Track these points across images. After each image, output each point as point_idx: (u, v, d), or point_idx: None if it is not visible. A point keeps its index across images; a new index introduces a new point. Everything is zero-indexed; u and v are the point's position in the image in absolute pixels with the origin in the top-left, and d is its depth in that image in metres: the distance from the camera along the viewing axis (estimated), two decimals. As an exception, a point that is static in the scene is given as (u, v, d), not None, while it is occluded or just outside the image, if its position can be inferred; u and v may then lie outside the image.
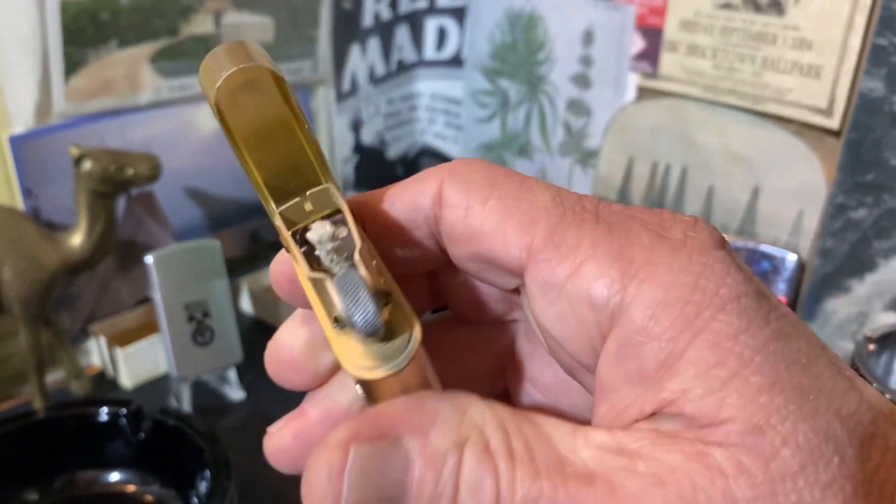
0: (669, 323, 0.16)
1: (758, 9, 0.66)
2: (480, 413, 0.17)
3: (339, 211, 0.19)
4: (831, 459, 0.16)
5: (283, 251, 0.20)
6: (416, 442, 0.16)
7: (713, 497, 0.15)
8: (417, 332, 0.17)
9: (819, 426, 0.16)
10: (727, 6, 0.67)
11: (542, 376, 0.23)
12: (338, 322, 0.17)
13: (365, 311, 0.16)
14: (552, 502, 0.16)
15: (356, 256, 0.18)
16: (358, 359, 0.17)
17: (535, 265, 0.18)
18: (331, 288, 0.17)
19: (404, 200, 0.20)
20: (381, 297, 0.18)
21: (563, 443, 0.17)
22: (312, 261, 0.19)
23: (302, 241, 0.19)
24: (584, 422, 0.23)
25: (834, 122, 0.63)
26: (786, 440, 0.16)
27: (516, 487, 0.16)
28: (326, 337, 0.17)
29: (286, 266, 0.20)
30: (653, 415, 0.17)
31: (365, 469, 0.16)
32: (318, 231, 0.19)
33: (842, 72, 0.62)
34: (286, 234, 0.19)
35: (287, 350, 0.21)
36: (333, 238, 0.19)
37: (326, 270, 0.18)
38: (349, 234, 0.19)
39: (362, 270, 0.17)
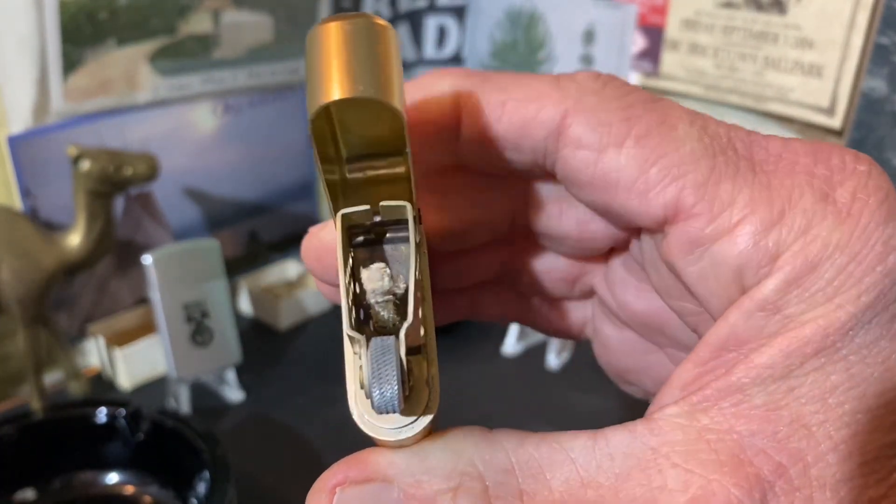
0: (797, 300, 0.15)
1: (759, 8, 0.65)
2: (480, 455, 0.16)
3: (403, 223, 0.17)
4: (888, 476, 0.15)
5: (318, 227, 0.20)
6: (406, 485, 0.16)
7: None
8: (433, 406, 0.16)
9: (888, 440, 0.15)
10: (729, 5, 0.67)
11: (633, 303, 0.22)
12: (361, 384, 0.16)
13: (385, 393, 0.15)
14: None
15: (402, 333, 0.15)
16: (366, 408, 0.16)
17: (682, 222, 0.16)
18: (363, 349, 0.16)
19: (514, 120, 0.17)
20: (412, 356, 0.16)
21: (584, 458, 0.16)
22: (358, 296, 0.17)
23: (353, 269, 0.17)
24: (677, 347, 0.22)
25: (836, 122, 0.63)
26: (836, 447, 0.15)
27: None
28: (346, 367, 0.16)
29: (319, 243, 0.19)
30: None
31: None
32: (375, 281, 0.16)
33: (844, 71, 0.61)
34: (340, 238, 0.17)
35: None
36: (388, 293, 0.17)
37: (370, 315, 0.17)
38: (406, 293, 0.16)
39: (402, 352, 0.15)
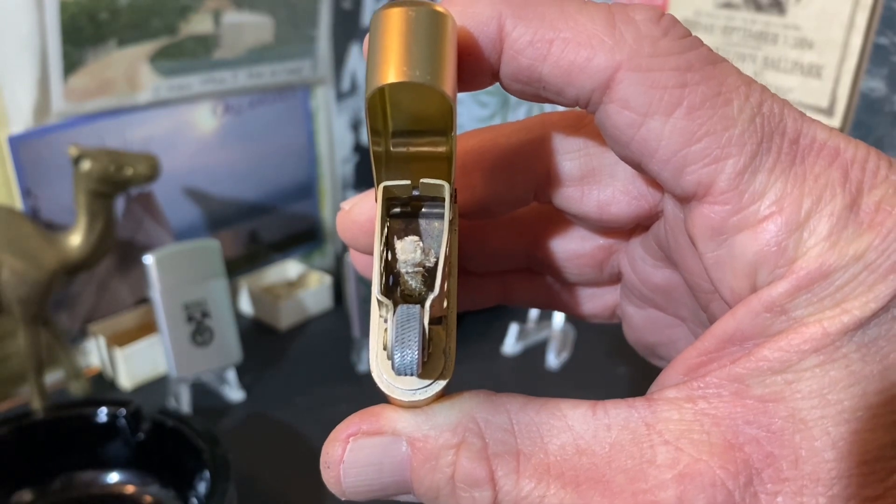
0: (805, 303, 0.16)
1: (759, 8, 0.65)
2: (483, 415, 0.16)
3: (440, 201, 0.18)
4: (887, 477, 0.15)
5: (349, 203, 0.20)
6: (413, 439, 0.16)
7: (732, 492, 0.15)
8: (448, 374, 0.17)
9: (888, 439, 0.15)
10: (728, 5, 0.67)
11: (654, 276, 0.22)
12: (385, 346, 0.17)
13: (405, 357, 0.16)
14: (558, 500, 0.15)
15: (427, 303, 0.16)
16: (385, 369, 0.17)
17: (709, 205, 0.16)
18: (389, 314, 0.17)
19: (560, 63, 0.16)
20: (434, 326, 0.17)
21: (582, 426, 0.16)
22: (389, 264, 0.18)
23: (387, 238, 0.18)
24: (696, 322, 0.22)
25: (835, 122, 0.63)
26: (834, 444, 0.15)
27: (521, 486, 0.16)
28: (371, 329, 0.17)
29: (360, 215, 0.20)
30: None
31: (361, 460, 0.17)
32: (408, 252, 0.17)
33: (843, 71, 0.62)
34: (379, 208, 0.18)
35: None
36: (419, 265, 0.17)
37: (398, 283, 0.18)
38: (436, 266, 0.17)
39: (425, 321, 0.16)
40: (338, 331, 0.78)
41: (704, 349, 0.17)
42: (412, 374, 0.16)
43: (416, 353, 0.16)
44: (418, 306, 0.16)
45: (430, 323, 0.16)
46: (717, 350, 0.17)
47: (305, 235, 0.91)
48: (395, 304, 0.16)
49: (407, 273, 0.17)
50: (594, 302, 0.25)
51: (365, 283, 0.69)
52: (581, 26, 0.16)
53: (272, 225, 0.87)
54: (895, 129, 0.59)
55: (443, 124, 0.17)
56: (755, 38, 0.66)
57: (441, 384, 0.17)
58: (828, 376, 0.15)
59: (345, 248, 0.74)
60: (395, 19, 0.15)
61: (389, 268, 0.18)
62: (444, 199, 0.18)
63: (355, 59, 0.88)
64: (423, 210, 0.19)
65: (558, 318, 0.74)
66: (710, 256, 0.17)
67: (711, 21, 0.69)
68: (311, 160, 0.88)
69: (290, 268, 0.88)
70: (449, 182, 0.18)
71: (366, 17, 0.87)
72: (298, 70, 0.82)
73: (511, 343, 0.75)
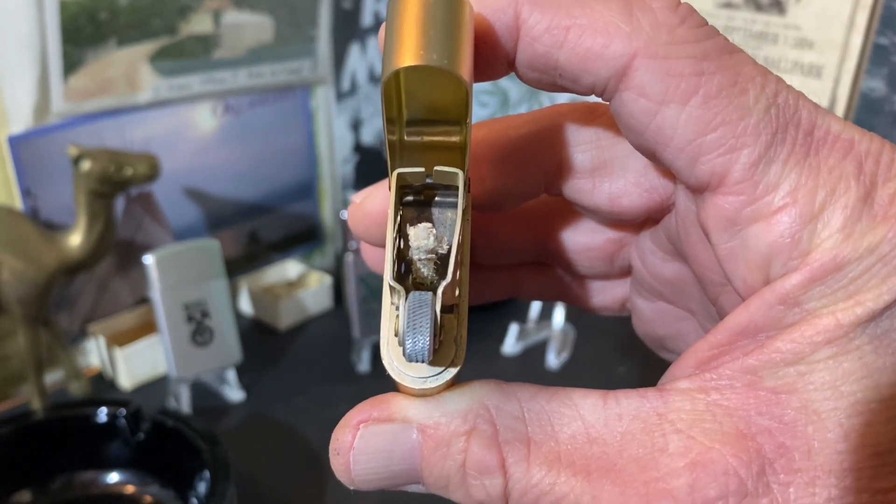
0: (818, 295, 0.16)
1: (759, 8, 0.65)
2: (493, 402, 0.16)
3: (454, 191, 0.18)
4: None
5: (360, 196, 0.20)
6: (424, 426, 0.16)
7: (745, 481, 0.15)
8: (458, 362, 0.17)
9: None
10: (728, 5, 0.67)
11: (664, 269, 0.22)
12: (396, 333, 0.17)
13: (417, 343, 0.16)
14: (569, 489, 0.15)
15: (439, 290, 0.16)
16: (396, 356, 0.17)
17: (723, 195, 0.16)
18: (401, 300, 0.16)
19: (577, 51, 0.16)
20: (446, 314, 0.17)
21: (593, 415, 0.16)
22: (402, 252, 0.18)
23: (400, 226, 0.18)
24: (705, 315, 0.22)
25: (835, 122, 0.63)
26: (846, 435, 0.15)
27: (532, 474, 0.16)
28: (382, 316, 0.17)
29: (373, 207, 0.20)
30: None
31: (371, 447, 0.16)
32: (421, 239, 0.17)
33: (843, 71, 0.62)
34: (393, 194, 0.18)
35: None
36: (431, 252, 0.17)
37: (410, 271, 0.18)
38: (448, 253, 0.17)
39: (437, 308, 0.16)
40: (338, 331, 0.78)
41: (717, 342, 0.17)
42: (423, 361, 0.16)
43: (428, 339, 0.16)
44: (430, 293, 0.16)
45: (441, 311, 0.16)
46: (729, 343, 0.17)
47: (305, 235, 0.91)
48: (407, 291, 0.16)
49: (419, 260, 0.17)
50: (604, 295, 0.25)
51: (365, 283, 0.69)
52: (598, 13, 0.16)
53: (272, 225, 0.87)
54: (895, 129, 0.59)
55: (457, 114, 0.17)
56: (755, 38, 0.66)
57: (452, 372, 0.16)
58: (841, 368, 0.15)
59: (345, 248, 0.74)
60: (413, 4, 0.15)
61: (402, 255, 0.17)
62: (457, 188, 0.18)
63: (355, 59, 0.88)
64: (437, 199, 0.19)
65: (558, 318, 0.74)
66: (723, 248, 0.17)
67: (711, 21, 0.69)
68: (311, 160, 0.88)
69: (290, 268, 0.88)
70: (463, 170, 0.18)
71: (366, 17, 0.87)
72: (298, 70, 0.82)
73: (511, 343, 0.75)
